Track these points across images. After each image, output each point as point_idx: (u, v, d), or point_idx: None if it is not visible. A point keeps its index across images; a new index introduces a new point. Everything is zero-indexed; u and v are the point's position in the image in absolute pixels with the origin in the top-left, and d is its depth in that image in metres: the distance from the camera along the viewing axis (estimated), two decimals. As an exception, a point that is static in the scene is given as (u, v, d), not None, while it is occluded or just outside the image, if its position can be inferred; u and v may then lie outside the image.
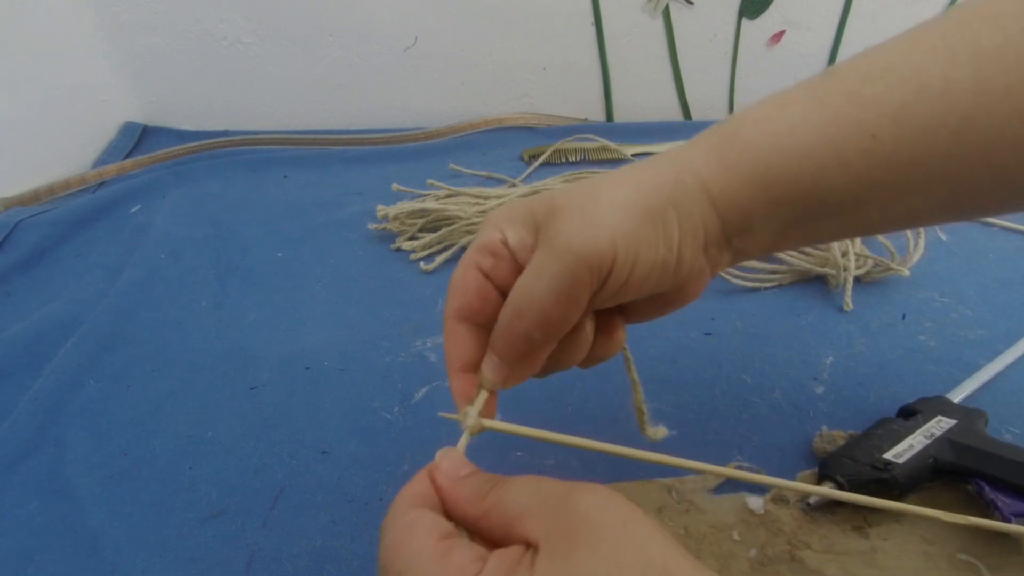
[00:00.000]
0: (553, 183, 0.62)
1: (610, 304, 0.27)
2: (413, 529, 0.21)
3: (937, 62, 0.24)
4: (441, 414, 0.29)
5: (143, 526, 0.37)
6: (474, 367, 0.27)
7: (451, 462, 0.25)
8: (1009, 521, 0.32)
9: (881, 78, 0.25)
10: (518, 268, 0.26)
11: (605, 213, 0.24)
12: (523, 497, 0.22)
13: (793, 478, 0.37)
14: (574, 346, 0.28)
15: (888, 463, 0.34)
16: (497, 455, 0.40)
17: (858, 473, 0.34)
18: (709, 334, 0.49)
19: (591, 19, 0.82)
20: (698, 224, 0.26)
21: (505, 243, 0.26)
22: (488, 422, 0.27)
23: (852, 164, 0.25)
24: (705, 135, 0.27)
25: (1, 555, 0.36)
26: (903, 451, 0.35)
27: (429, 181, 0.66)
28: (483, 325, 0.27)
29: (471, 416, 0.26)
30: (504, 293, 0.26)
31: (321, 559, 0.35)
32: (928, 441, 0.36)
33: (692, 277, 0.27)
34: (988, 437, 0.36)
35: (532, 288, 0.24)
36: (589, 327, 0.28)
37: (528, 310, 0.25)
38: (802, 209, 0.26)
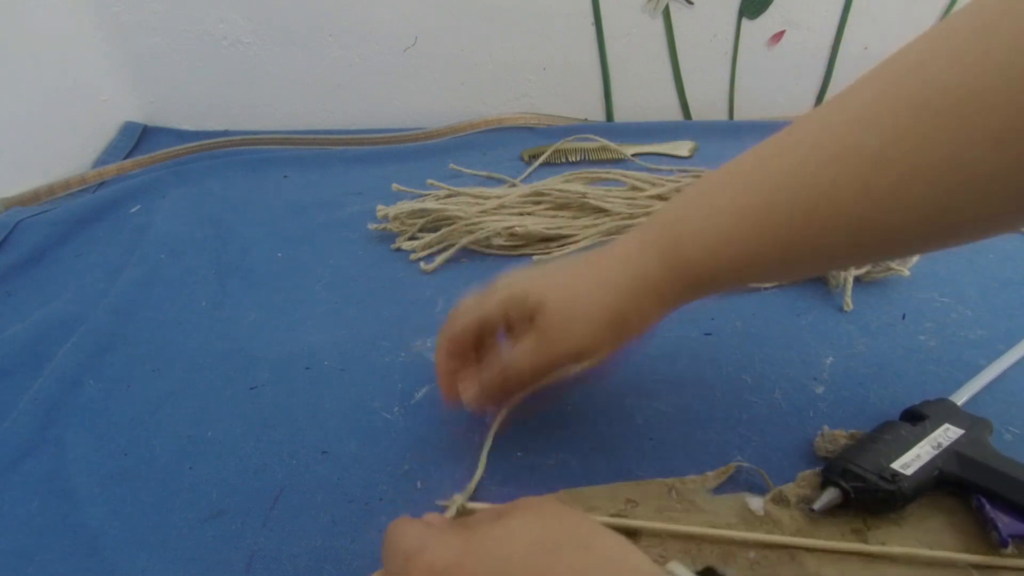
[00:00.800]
0: (553, 183, 0.62)
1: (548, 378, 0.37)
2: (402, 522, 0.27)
3: (828, 169, 0.28)
4: (438, 502, 0.37)
5: (143, 526, 0.37)
6: (455, 379, 0.38)
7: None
8: (1006, 541, 0.32)
9: (789, 187, 0.29)
10: (492, 332, 0.38)
11: (577, 329, 0.34)
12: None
13: (793, 478, 0.37)
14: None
15: (896, 474, 0.34)
16: (497, 455, 0.40)
17: (865, 482, 0.34)
18: (709, 334, 0.49)
19: (591, 19, 0.82)
20: (648, 316, 0.35)
21: (507, 320, 0.36)
22: (472, 505, 0.36)
23: (771, 265, 0.32)
24: (653, 239, 0.34)
25: (1, 555, 0.36)
26: (910, 461, 0.35)
27: (429, 181, 0.66)
28: (464, 356, 0.38)
29: (457, 502, 0.36)
30: (477, 339, 0.38)
31: (321, 559, 0.35)
32: (935, 452, 0.35)
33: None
34: (994, 452, 0.35)
35: (521, 365, 0.35)
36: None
37: (515, 377, 0.36)
38: (737, 285, 0.40)
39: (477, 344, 0.38)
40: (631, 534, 0.34)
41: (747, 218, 0.30)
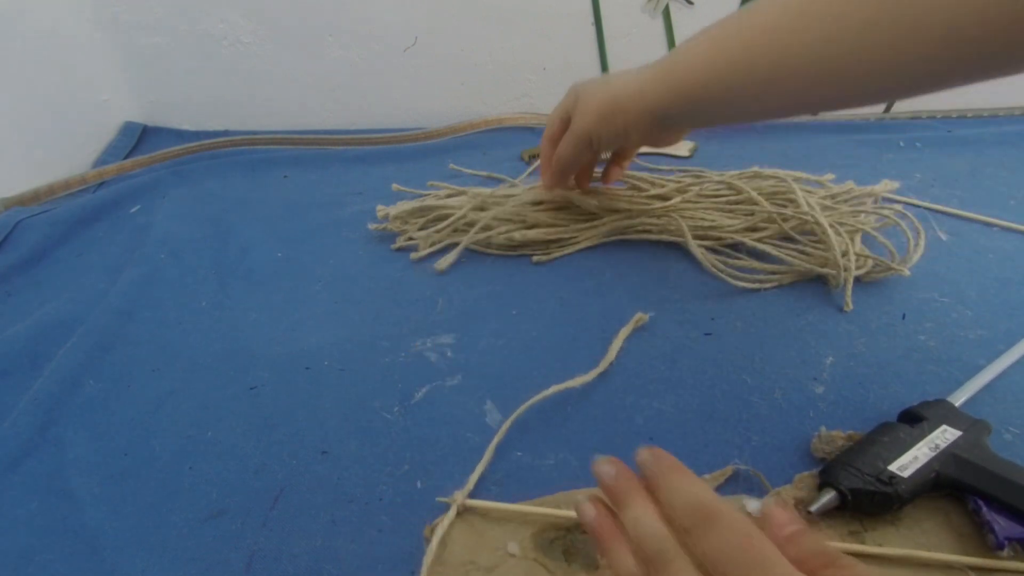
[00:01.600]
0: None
1: (607, 150, 0.57)
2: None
3: (782, 28, 0.39)
4: (439, 499, 0.37)
5: (143, 526, 0.37)
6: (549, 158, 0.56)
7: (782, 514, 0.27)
8: (1002, 544, 0.32)
9: (761, 33, 0.40)
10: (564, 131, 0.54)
11: (585, 117, 0.50)
12: None
13: (791, 479, 0.37)
14: (590, 169, 0.60)
15: (893, 476, 0.34)
16: (497, 455, 0.40)
17: (862, 485, 0.34)
18: (709, 334, 0.49)
19: (591, 19, 0.82)
20: (636, 118, 0.48)
21: (562, 126, 0.54)
22: (471, 502, 0.37)
23: (736, 79, 0.42)
24: (657, 67, 0.47)
25: (1, 555, 0.36)
26: (908, 463, 0.35)
27: (430, 183, 0.66)
28: (556, 141, 0.55)
29: (458, 500, 0.36)
30: (565, 126, 0.53)
31: (321, 559, 0.35)
32: (933, 454, 0.35)
33: (655, 136, 0.52)
34: (992, 454, 0.35)
35: (562, 148, 0.53)
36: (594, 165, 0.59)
37: (562, 155, 0.54)
38: (707, 106, 0.45)
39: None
40: None
41: (725, 50, 0.42)
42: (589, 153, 0.53)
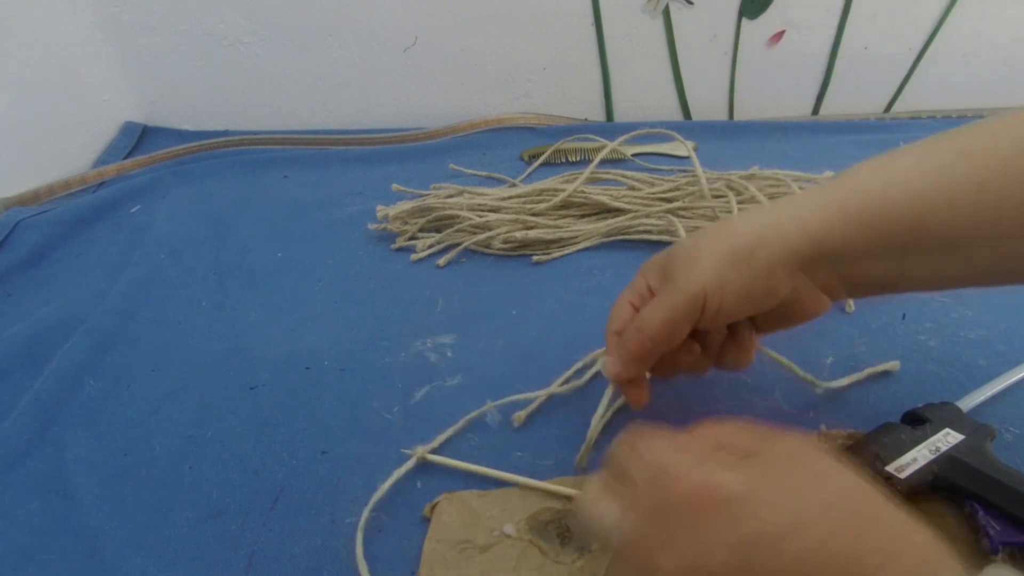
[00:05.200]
0: (553, 183, 0.62)
1: (716, 325, 0.36)
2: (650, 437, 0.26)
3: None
4: (403, 450, 0.39)
5: (143, 526, 0.37)
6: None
7: None
8: (997, 549, 0.32)
9: (989, 136, 0.29)
10: (647, 300, 0.35)
11: (699, 266, 0.32)
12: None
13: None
14: (686, 354, 0.37)
15: (890, 477, 0.34)
16: (497, 455, 0.40)
17: None
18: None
19: (591, 19, 0.82)
20: (787, 255, 0.32)
21: (648, 287, 0.36)
22: (433, 457, 0.39)
23: (960, 208, 0.29)
24: (818, 189, 0.33)
25: (1, 555, 0.36)
26: (906, 464, 0.34)
27: (433, 186, 0.66)
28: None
29: (419, 452, 0.39)
30: (635, 311, 0.36)
31: (321, 559, 0.35)
32: (933, 456, 0.35)
33: (801, 296, 0.34)
34: (992, 459, 0.35)
35: (650, 314, 0.34)
36: (696, 344, 0.37)
37: (646, 327, 0.34)
38: (912, 244, 0.31)
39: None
40: None
41: (936, 156, 0.30)
42: (689, 325, 0.34)
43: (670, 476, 0.24)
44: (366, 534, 0.36)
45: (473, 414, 0.42)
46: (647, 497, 0.24)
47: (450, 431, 0.41)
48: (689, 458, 0.24)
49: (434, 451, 0.40)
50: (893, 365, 0.44)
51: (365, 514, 0.36)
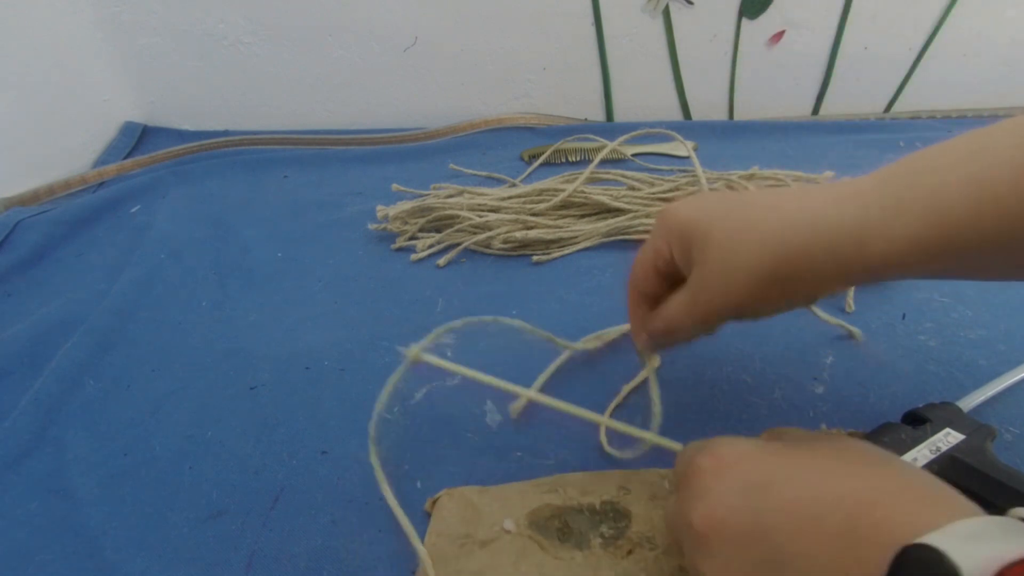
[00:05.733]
0: (553, 183, 0.62)
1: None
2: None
3: None
4: (398, 347, 0.38)
5: (143, 526, 0.37)
6: (641, 317, 0.36)
7: None
8: None
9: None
10: (673, 266, 0.33)
11: (734, 279, 0.29)
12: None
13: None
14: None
15: None
16: (496, 455, 0.40)
17: None
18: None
19: (591, 19, 0.82)
20: (837, 276, 0.29)
21: (671, 256, 0.33)
22: (426, 356, 0.37)
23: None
24: (874, 190, 0.28)
25: (1, 555, 0.36)
26: None
27: (433, 186, 0.66)
28: (648, 294, 0.35)
29: (413, 351, 0.38)
30: (661, 275, 0.34)
31: (321, 559, 0.35)
32: (932, 456, 0.35)
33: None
34: (992, 459, 0.35)
35: (678, 316, 0.33)
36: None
37: (678, 332, 0.34)
38: (976, 245, 0.26)
39: (670, 278, 0.34)
40: (622, 517, 0.35)
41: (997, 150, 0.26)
42: (717, 325, 0.34)
43: (704, 451, 0.28)
44: (366, 533, 0.36)
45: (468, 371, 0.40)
46: (684, 467, 0.29)
47: (439, 329, 0.40)
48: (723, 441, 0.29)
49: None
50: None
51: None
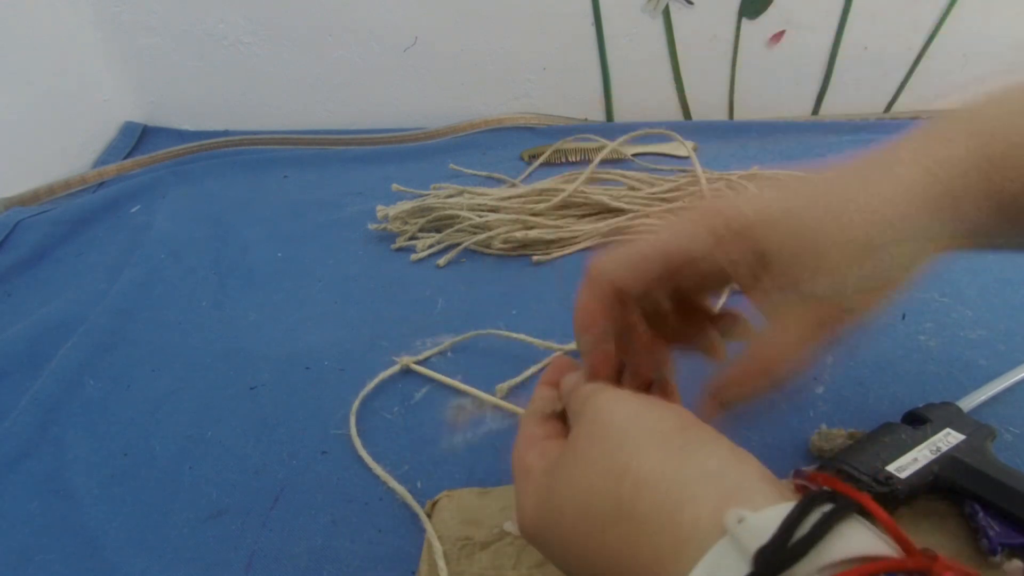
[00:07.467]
0: (553, 183, 0.62)
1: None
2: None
3: None
4: (392, 356, 0.40)
5: (143, 526, 0.37)
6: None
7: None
8: (996, 549, 0.32)
9: None
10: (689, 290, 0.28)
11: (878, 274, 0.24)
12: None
13: (791, 479, 0.37)
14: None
15: (890, 477, 0.34)
16: (496, 455, 0.40)
17: (857, 484, 0.34)
18: (709, 334, 0.49)
19: (591, 19, 0.82)
20: (910, 263, 0.25)
21: (748, 267, 0.26)
22: (417, 367, 0.40)
23: None
24: (907, 149, 0.25)
25: (1, 555, 0.36)
26: (906, 464, 0.34)
27: (433, 186, 0.66)
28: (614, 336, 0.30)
29: (404, 361, 0.41)
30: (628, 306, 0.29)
31: (321, 559, 0.35)
32: (933, 456, 0.35)
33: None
34: (993, 459, 0.35)
35: (780, 350, 0.26)
36: None
37: (775, 366, 0.27)
38: None
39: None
40: None
41: None
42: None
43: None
44: (366, 533, 0.36)
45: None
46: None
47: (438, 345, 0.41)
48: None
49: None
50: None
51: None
